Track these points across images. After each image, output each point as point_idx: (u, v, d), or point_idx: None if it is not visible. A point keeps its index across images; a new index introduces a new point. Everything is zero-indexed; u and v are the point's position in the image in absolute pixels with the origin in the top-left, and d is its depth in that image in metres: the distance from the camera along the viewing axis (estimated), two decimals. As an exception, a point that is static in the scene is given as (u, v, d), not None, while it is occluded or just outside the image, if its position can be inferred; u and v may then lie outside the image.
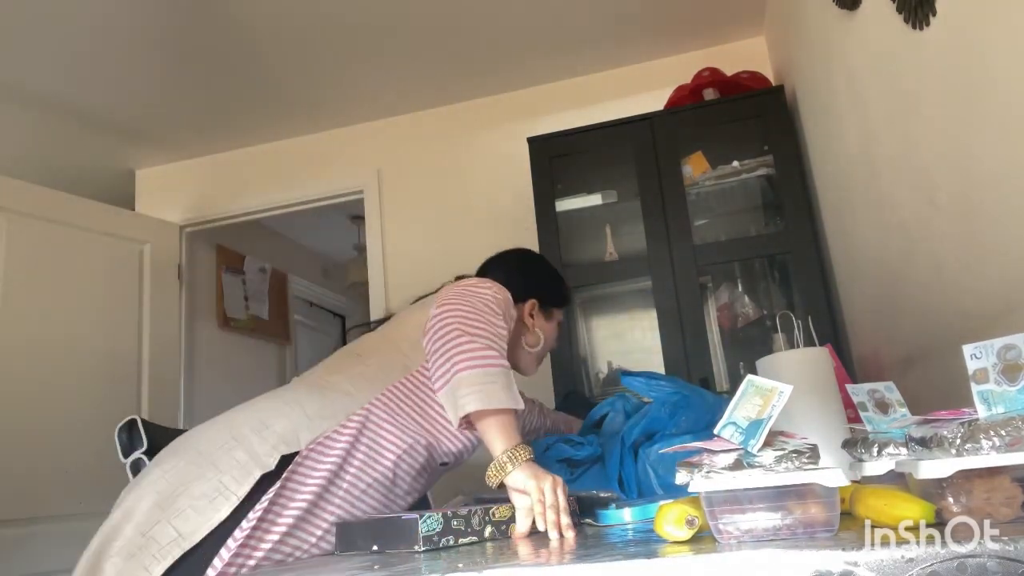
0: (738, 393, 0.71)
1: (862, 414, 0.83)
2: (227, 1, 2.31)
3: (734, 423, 0.71)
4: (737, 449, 0.66)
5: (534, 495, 0.92)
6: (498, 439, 1.01)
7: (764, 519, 0.60)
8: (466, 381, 1.01)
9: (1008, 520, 0.57)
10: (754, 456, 0.64)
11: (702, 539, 0.63)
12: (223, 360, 3.51)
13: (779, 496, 0.61)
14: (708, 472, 0.64)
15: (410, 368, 1.19)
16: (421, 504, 1.26)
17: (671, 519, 0.64)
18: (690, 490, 0.64)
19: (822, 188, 2.19)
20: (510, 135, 2.92)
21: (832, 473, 0.60)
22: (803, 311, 2.14)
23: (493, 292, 1.16)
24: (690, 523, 0.64)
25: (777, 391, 0.70)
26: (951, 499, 0.58)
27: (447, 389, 1.03)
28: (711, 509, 0.62)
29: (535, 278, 1.49)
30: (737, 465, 0.64)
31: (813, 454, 0.64)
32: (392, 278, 3.04)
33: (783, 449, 0.64)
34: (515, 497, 0.96)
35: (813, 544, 0.54)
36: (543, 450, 1.33)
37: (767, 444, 0.65)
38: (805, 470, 0.62)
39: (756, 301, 2.44)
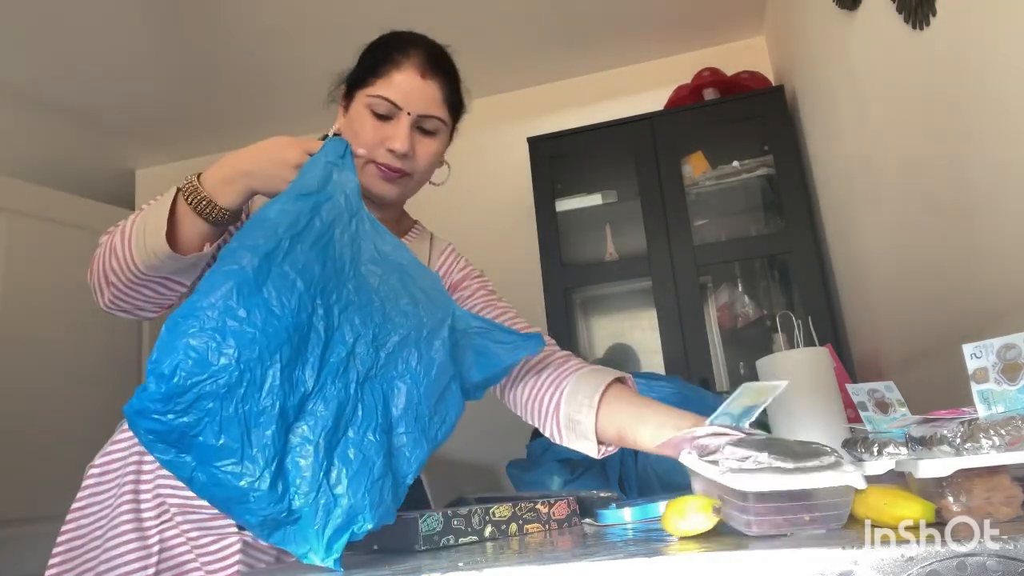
0: (733, 395, 0.72)
1: (862, 414, 0.83)
2: (227, 1, 2.31)
3: (728, 413, 0.71)
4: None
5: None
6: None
7: (794, 511, 0.59)
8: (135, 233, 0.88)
9: (1008, 519, 0.57)
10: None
11: (701, 539, 0.63)
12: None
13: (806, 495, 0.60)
14: (736, 463, 0.62)
15: None
16: (421, 504, 1.26)
17: (695, 507, 0.63)
18: (741, 487, 0.60)
19: (822, 188, 2.19)
20: (510, 135, 2.92)
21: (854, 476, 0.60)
22: (803, 311, 2.14)
23: None
24: (716, 511, 0.63)
25: (773, 386, 0.70)
26: (951, 498, 0.58)
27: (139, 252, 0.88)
28: (748, 504, 0.60)
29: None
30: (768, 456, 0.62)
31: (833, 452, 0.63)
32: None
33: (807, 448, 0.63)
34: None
35: (813, 543, 0.54)
36: (543, 450, 1.33)
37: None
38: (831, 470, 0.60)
39: (756, 301, 2.44)
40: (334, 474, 0.67)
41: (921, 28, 1.20)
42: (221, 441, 0.65)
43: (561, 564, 0.57)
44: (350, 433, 0.69)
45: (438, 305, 0.80)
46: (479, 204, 2.98)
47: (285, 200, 0.78)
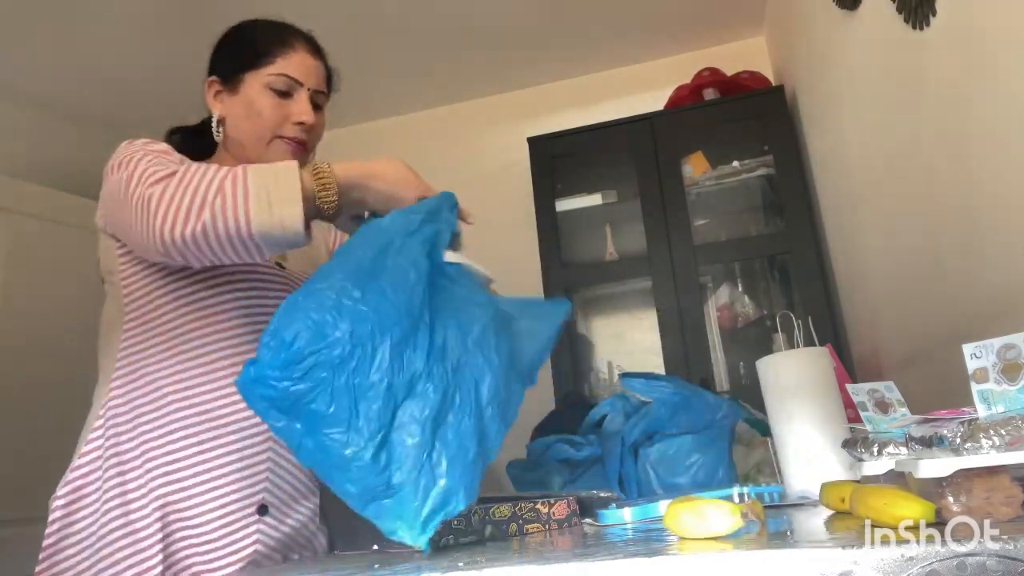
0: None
1: (862, 414, 0.83)
2: (227, 2, 2.31)
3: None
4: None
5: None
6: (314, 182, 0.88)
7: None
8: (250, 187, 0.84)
9: (1008, 519, 0.57)
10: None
11: (700, 539, 0.63)
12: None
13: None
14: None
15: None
16: None
17: (724, 511, 0.60)
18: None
19: (822, 188, 2.19)
20: (510, 135, 2.92)
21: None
22: (803, 311, 2.14)
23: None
24: (744, 516, 0.61)
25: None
26: (951, 498, 0.58)
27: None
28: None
29: (212, 60, 1.15)
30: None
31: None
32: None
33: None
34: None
35: (813, 543, 0.54)
36: (543, 450, 1.33)
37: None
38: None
39: (756, 301, 2.44)
40: (435, 456, 0.71)
41: (921, 28, 1.20)
42: (331, 409, 0.69)
43: (561, 564, 0.57)
44: (450, 418, 0.73)
45: (489, 298, 0.86)
46: (479, 204, 2.97)
47: (397, 214, 0.85)
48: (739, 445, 1.27)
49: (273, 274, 1.08)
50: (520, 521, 0.91)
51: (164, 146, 1.01)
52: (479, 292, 0.87)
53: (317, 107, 1.12)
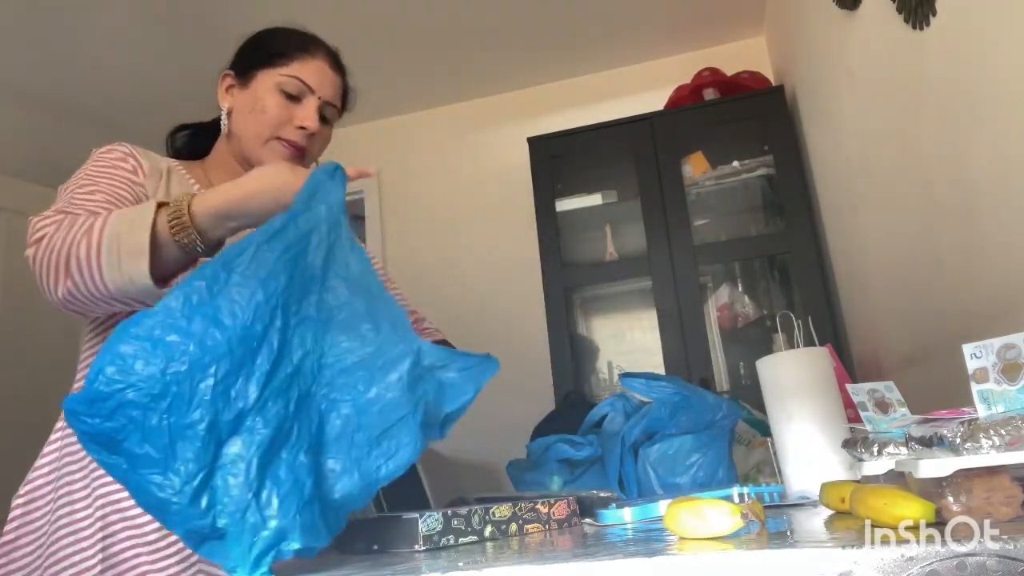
0: None
1: (862, 414, 0.83)
2: (228, 3, 2.31)
3: None
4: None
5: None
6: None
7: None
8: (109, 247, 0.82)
9: (1008, 519, 0.57)
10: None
11: (701, 539, 0.63)
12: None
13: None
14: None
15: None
16: (421, 504, 1.26)
17: (724, 511, 0.60)
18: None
19: (822, 188, 2.19)
20: (510, 135, 2.92)
21: None
22: (803, 311, 2.14)
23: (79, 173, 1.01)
24: (744, 516, 0.61)
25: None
26: (951, 498, 0.58)
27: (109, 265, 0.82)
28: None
29: (233, 58, 1.15)
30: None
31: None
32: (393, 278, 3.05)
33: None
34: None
35: (813, 543, 0.54)
36: (543, 450, 1.33)
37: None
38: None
39: (756, 301, 2.44)
40: (264, 494, 0.66)
41: (921, 28, 1.20)
42: (145, 450, 0.64)
43: (561, 564, 0.57)
44: (283, 454, 0.68)
45: (402, 338, 0.77)
46: (479, 204, 2.98)
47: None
48: (739, 445, 1.27)
49: None
50: (520, 521, 0.91)
51: (116, 156, 1.03)
52: (396, 328, 0.76)
53: (325, 120, 1.10)
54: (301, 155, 1.07)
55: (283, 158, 1.05)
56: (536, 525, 0.92)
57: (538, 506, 0.93)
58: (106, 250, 0.82)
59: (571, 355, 2.35)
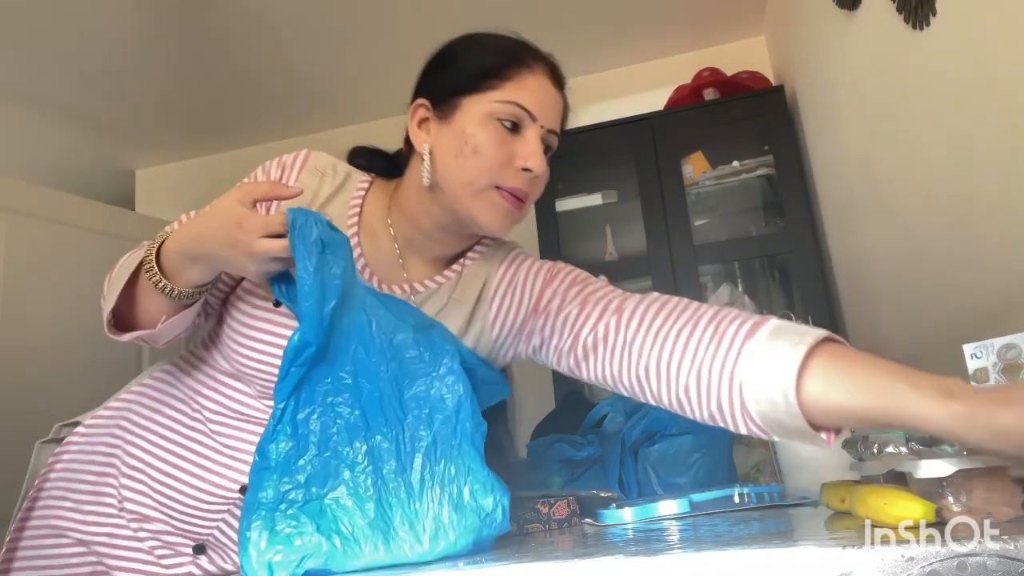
0: None
1: (862, 414, 0.83)
2: (227, 2, 2.31)
3: None
4: None
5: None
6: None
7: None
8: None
9: (1008, 519, 0.57)
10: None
11: (701, 540, 0.63)
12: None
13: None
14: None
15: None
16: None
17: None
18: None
19: (822, 188, 2.19)
20: (510, 135, 2.92)
21: None
22: (803, 311, 2.14)
23: None
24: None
25: None
26: (951, 498, 0.58)
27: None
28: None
29: (421, 79, 0.91)
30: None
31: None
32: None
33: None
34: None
35: (813, 543, 0.54)
36: (543, 450, 1.33)
37: None
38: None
39: (756, 301, 2.44)
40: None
41: (921, 28, 1.20)
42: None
43: (561, 564, 0.57)
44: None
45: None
46: (479, 204, 2.98)
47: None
48: (739, 445, 1.27)
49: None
50: (520, 521, 0.91)
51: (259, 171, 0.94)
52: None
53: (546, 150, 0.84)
54: (520, 207, 0.83)
55: (501, 213, 0.81)
56: (536, 525, 0.92)
57: (538, 506, 0.93)
58: (104, 295, 0.82)
59: (571, 355, 2.35)
